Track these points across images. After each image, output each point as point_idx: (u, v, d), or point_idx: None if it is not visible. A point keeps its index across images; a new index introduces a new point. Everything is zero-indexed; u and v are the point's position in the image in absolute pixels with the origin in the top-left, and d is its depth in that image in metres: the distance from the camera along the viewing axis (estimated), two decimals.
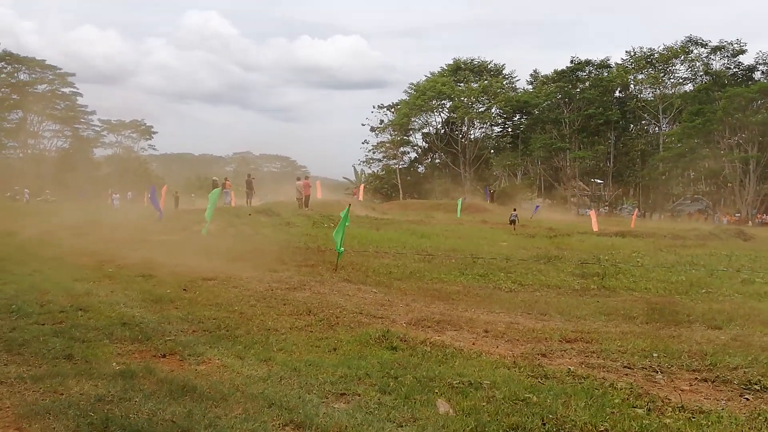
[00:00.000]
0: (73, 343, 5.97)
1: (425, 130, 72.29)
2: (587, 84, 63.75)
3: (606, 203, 66.09)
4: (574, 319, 9.06)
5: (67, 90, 77.64)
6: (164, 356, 5.82)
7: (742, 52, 59.59)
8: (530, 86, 70.27)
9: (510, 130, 70.75)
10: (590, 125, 63.16)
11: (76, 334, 6.35)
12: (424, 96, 66.21)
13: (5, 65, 71.93)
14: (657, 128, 64.32)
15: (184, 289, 9.61)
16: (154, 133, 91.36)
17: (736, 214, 54.87)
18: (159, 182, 41.02)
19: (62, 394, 4.52)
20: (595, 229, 30.30)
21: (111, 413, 4.12)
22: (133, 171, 77.53)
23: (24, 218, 25.88)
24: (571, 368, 5.92)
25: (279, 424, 4.12)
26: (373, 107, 73.84)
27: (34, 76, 75.13)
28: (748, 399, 5.22)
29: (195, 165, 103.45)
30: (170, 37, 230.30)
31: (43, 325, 6.79)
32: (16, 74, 74.06)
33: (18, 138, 75.18)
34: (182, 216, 26.18)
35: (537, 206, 49.88)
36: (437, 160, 73.49)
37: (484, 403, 4.63)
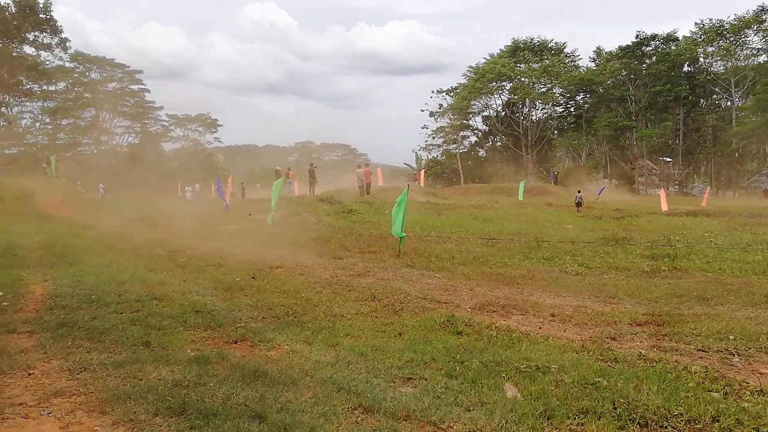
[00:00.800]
0: (149, 331, 6.23)
1: (485, 113, 71.48)
2: (654, 59, 61.29)
3: (676, 182, 63.70)
4: (645, 301, 8.81)
5: (135, 87, 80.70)
6: (236, 342, 6.00)
7: None
8: (593, 64, 68.21)
9: (573, 109, 68.96)
10: (658, 102, 60.85)
11: (153, 322, 6.62)
12: (483, 78, 65.30)
13: (77, 65, 75.07)
14: (729, 102, 61.42)
15: (253, 277, 9.88)
16: (219, 125, 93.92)
17: None
18: (224, 174, 42.07)
19: (141, 380, 4.72)
20: (665, 208, 29.35)
21: (188, 397, 4.28)
22: (199, 163, 79.80)
23: (100, 212, 27.02)
24: (643, 352, 5.78)
25: (348, 407, 4.19)
26: (432, 92, 73.54)
27: (104, 74, 78.35)
28: None
29: (259, 156, 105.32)
30: (231, 31, 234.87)
31: (121, 313, 7.10)
32: (87, 73, 77.28)
33: (91, 135, 78.47)
34: (248, 206, 26.78)
35: (602, 187, 48.64)
36: (498, 143, 72.51)
37: (552, 387, 4.58)
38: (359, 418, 4.04)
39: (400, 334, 6.45)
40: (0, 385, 4.64)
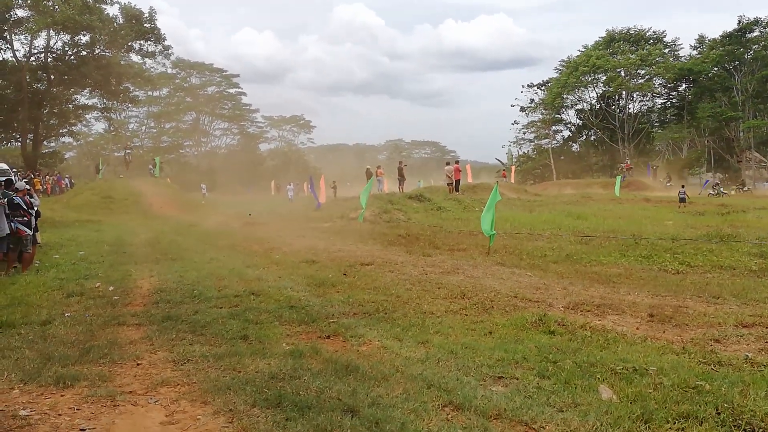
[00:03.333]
0: (247, 325, 6.49)
1: (579, 107, 69.25)
2: (760, 45, 57.36)
3: None
4: (752, 302, 8.31)
5: (232, 90, 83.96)
6: (328, 337, 6.16)
7: None
8: (696, 52, 64.63)
9: (674, 101, 65.62)
10: (766, 90, 56.93)
11: (250, 316, 6.90)
12: (576, 72, 63.32)
13: (179, 71, 78.86)
14: None
15: (344, 274, 10.08)
16: (313, 127, 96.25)
17: None
18: (317, 173, 43.03)
19: (240, 372, 4.94)
20: None
21: (283, 390, 4.45)
22: (293, 163, 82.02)
23: (201, 211, 28.32)
24: (749, 355, 5.47)
25: (438, 404, 4.21)
26: (522, 86, 71.89)
27: (203, 79, 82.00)
28: None
29: (349, 155, 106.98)
30: (321, 33, 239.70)
31: (221, 308, 7.45)
32: (188, 79, 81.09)
33: (192, 137, 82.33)
34: (340, 204, 27.29)
35: (707, 181, 46.08)
36: (593, 137, 70.10)
37: (650, 390, 4.43)
38: (450, 416, 4.06)
39: (491, 333, 6.40)
40: (111, 374, 4.99)
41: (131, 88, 49.53)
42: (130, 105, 54.54)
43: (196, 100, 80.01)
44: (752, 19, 58.06)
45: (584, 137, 71.57)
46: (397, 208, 23.74)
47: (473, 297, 8.32)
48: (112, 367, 5.19)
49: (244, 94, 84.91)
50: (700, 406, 4.04)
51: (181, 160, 79.01)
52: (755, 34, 58.36)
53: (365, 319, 6.94)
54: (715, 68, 60.47)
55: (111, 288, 8.88)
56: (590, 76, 64.28)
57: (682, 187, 30.88)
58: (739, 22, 58.53)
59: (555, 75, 67.73)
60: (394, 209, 23.24)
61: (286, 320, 6.79)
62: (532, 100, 69.76)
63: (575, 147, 72.70)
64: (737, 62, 58.67)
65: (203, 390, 4.56)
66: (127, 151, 49.81)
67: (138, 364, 5.28)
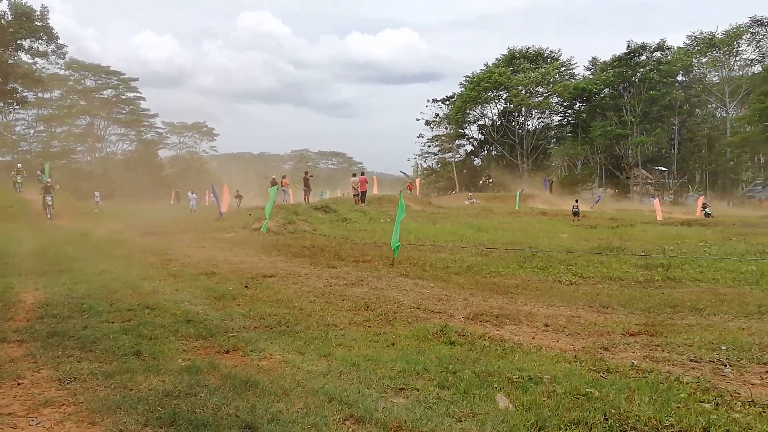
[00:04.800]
0: (141, 340, 6.19)
1: (481, 122, 71.61)
2: (647, 68, 61.69)
3: (670, 191, 63.91)
4: (638, 311, 8.82)
5: (131, 95, 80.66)
6: (227, 352, 5.97)
7: None
8: (589, 73, 68.52)
9: (570, 118, 69.19)
10: (652, 110, 61.19)
11: (144, 331, 6.58)
12: (479, 87, 65.47)
13: (72, 73, 75.04)
14: (724, 112, 61.77)
15: (246, 286, 9.85)
16: (216, 134, 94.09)
17: None
18: (219, 181, 42.05)
19: (132, 390, 4.70)
20: (660, 218, 29.46)
21: (178, 408, 4.26)
22: (195, 171, 79.82)
23: (94, 220, 26.98)
24: (635, 362, 5.78)
25: (339, 418, 4.17)
26: (428, 101, 73.53)
27: (99, 82, 78.41)
28: None
29: (253, 164, 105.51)
30: (226, 39, 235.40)
31: (112, 323, 7.06)
32: (82, 81, 77.26)
33: (86, 142, 78.40)
34: (243, 214, 26.76)
35: (599, 196, 48.79)
36: (494, 153, 72.60)
37: (544, 398, 4.57)
38: (350, 429, 4.02)
39: (393, 344, 6.43)
40: None
41: (19, 88, 46.56)
42: (17, 106, 51.27)
43: (91, 104, 76.33)
44: (640, 44, 62.31)
45: (486, 152, 74.02)
46: (303, 218, 23.58)
47: (377, 309, 8.35)
48: None
49: (143, 98, 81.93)
50: (589, 413, 4.21)
51: (73, 166, 75.01)
52: (643, 58, 62.65)
53: (266, 332, 6.79)
54: (607, 89, 64.34)
55: None
56: (492, 93, 66.64)
57: (576, 201, 32.48)
58: (628, 46, 62.66)
59: (459, 90, 69.68)
60: (299, 220, 23.06)
61: (183, 335, 6.53)
62: (436, 115, 71.53)
63: (477, 161, 75.03)
64: (626, 84, 62.68)
65: (91, 410, 4.29)
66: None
67: (19, 384, 4.91)
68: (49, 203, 28.33)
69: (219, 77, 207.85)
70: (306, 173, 35.58)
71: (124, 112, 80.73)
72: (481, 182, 60.68)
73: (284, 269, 12.14)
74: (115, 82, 79.06)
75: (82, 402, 4.47)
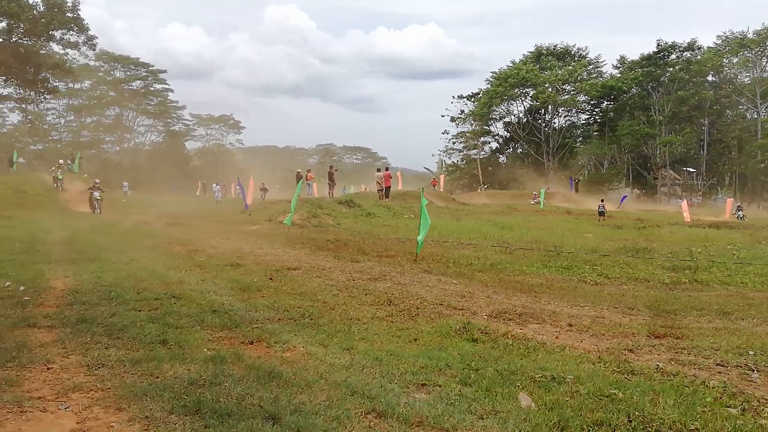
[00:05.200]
0: (167, 329, 6.28)
1: (507, 119, 71.17)
2: (676, 68, 60.75)
3: (699, 193, 62.91)
4: (664, 314, 8.72)
5: (159, 86, 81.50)
6: (252, 343, 6.04)
7: None
8: (617, 71, 67.70)
9: (597, 117, 68.46)
10: (681, 111, 60.27)
11: (170, 320, 6.68)
12: (505, 83, 65.03)
13: (102, 64, 76.02)
14: (755, 114, 60.55)
15: (270, 278, 9.93)
16: (243, 127, 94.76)
17: None
18: (245, 174, 42.37)
19: (158, 377, 4.77)
20: (687, 219, 29.02)
21: (203, 396, 4.32)
22: (221, 163, 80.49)
23: (122, 209, 27.39)
24: (660, 365, 5.73)
25: (361, 411, 4.20)
26: (453, 97, 73.23)
27: (128, 73, 79.28)
28: None
29: (279, 157, 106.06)
30: (252, 32, 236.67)
31: (139, 311, 7.17)
32: (112, 72, 78.26)
33: (115, 133, 79.47)
34: (268, 206, 26.94)
35: (624, 196, 48.18)
36: (519, 150, 72.12)
37: (567, 398, 4.56)
38: (372, 423, 4.05)
39: (416, 340, 6.44)
40: (19, 379, 4.72)
41: (50, 78, 47.34)
42: (48, 96, 52.14)
43: (120, 95, 77.27)
44: (670, 43, 61.35)
45: (511, 149, 73.56)
46: (327, 213, 23.65)
47: (400, 304, 8.37)
48: (20, 372, 4.90)
49: (171, 90, 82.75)
50: (613, 414, 4.19)
51: (102, 156, 76.21)
52: (672, 57, 61.69)
53: (290, 324, 6.85)
54: (635, 88, 63.48)
55: (22, 288, 8.41)
56: (519, 89, 66.15)
57: (602, 200, 32.14)
58: (658, 45, 61.73)
59: (485, 86, 69.27)
60: (323, 214, 23.14)
61: (208, 325, 6.61)
62: (462, 111, 71.13)
63: (502, 159, 74.59)
64: (655, 83, 61.79)
65: (118, 396, 4.37)
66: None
67: (48, 369, 5.02)
68: (98, 198, 27.83)
69: (245, 70, 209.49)
70: (331, 167, 35.67)
71: (152, 103, 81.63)
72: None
73: (308, 262, 12.21)
74: (144, 74, 79.94)
75: (109, 388, 4.55)
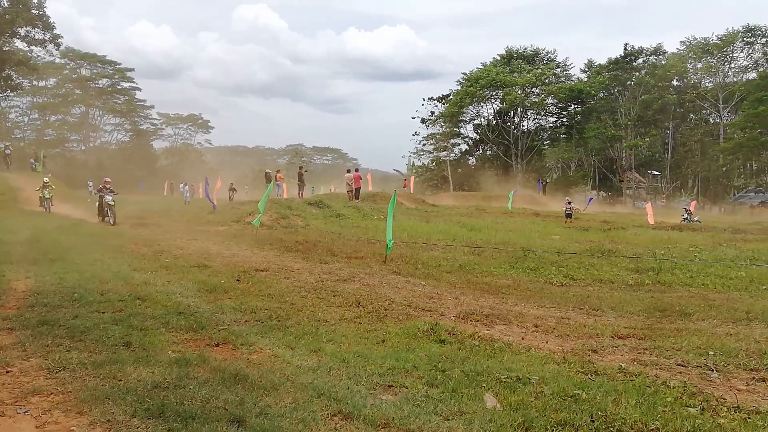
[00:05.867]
0: (131, 331, 6.19)
1: (476, 122, 71.66)
2: (642, 72, 61.97)
3: (663, 196, 64.15)
4: (627, 315, 8.87)
5: (126, 85, 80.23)
6: (218, 345, 5.98)
7: None
8: (584, 75, 68.73)
9: (565, 120, 69.38)
10: (647, 114, 61.44)
11: (134, 322, 6.59)
12: (476, 84, 65.49)
13: (68, 61, 74.53)
14: (717, 118, 62.03)
15: (238, 280, 9.85)
16: (211, 127, 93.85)
17: None
18: (214, 174, 41.96)
19: (121, 380, 4.70)
20: (651, 222, 29.56)
21: (167, 399, 4.27)
22: (190, 163, 79.57)
23: (87, 209, 26.86)
24: (623, 365, 5.82)
25: (327, 414, 4.19)
26: (424, 99, 73.45)
27: (95, 71, 77.86)
28: None
29: (249, 157, 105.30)
30: (223, 32, 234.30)
31: (103, 313, 7.06)
32: (78, 70, 76.79)
33: (80, 132, 78.00)
34: (237, 207, 26.72)
35: (590, 198, 48.89)
36: (489, 152, 72.67)
37: (532, 399, 4.60)
38: (338, 425, 4.04)
39: (383, 341, 6.45)
40: None
41: (14, 75, 46.25)
42: (11, 93, 50.92)
43: (86, 93, 75.79)
44: (637, 47, 62.55)
45: (481, 151, 74.09)
46: (296, 213, 23.56)
47: (368, 305, 8.37)
48: None
49: (139, 88, 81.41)
50: (576, 414, 4.25)
51: (67, 155, 74.64)
52: (639, 61, 62.89)
53: (257, 326, 6.80)
54: (602, 91, 64.55)
55: None
56: (488, 92, 66.66)
57: (569, 202, 32.56)
58: (625, 48, 62.87)
59: (456, 88, 69.65)
60: (292, 215, 23.04)
61: (174, 327, 6.54)
62: (432, 113, 71.40)
63: (472, 160, 75.07)
64: (621, 87, 62.92)
65: (79, 399, 4.30)
66: (6, 144, 46.39)
67: (7, 372, 4.91)
68: (111, 203, 21.04)
69: (215, 70, 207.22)
70: (301, 168, 35.55)
71: (119, 102, 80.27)
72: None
73: (276, 264, 12.14)
74: (111, 72, 78.53)
75: (70, 391, 4.47)
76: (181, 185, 42.76)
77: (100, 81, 78.59)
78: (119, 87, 79.80)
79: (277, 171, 35.61)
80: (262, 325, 6.86)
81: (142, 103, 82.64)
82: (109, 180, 22.51)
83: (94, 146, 79.28)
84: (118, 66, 78.93)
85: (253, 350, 5.82)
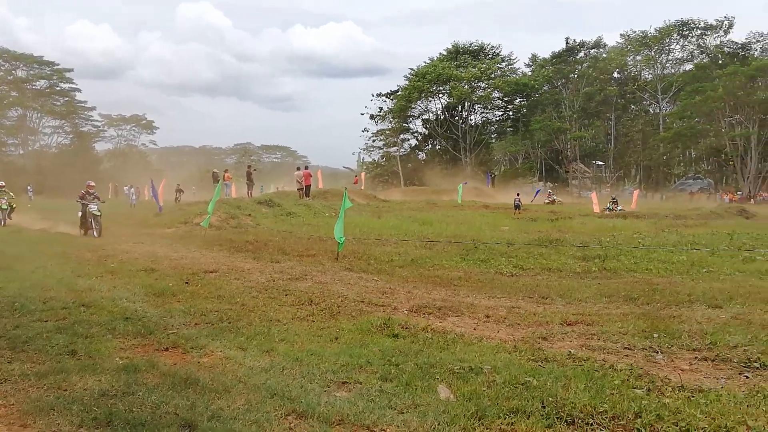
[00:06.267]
0: (76, 339, 6.01)
1: (425, 117, 72.16)
2: (585, 65, 63.55)
3: (607, 185, 65.90)
4: (576, 301, 9.08)
5: (65, 86, 77.68)
6: (167, 350, 5.86)
7: (731, 26, 59.41)
8: (529, 69, 69.99)
9: (511, 113, 70.50)
10: (590, 106, 63.06)
11: (79, 330, 6.39)
12: (423, 79, 65.90)
13: (2, 62, 71.78)
14: (657, 109, 64.09)
15: (186, 282, 9.66)
16: (156, 128, 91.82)
17: (738, 193, 54.74)
18: (159, 176, 41.07)
19: (66, 390, 4.56)
20: (597, 211, 30.35)
21: (115, 408, 4.16)
22: (133, 165, 77.64)
23: (27, 215, 25.92)
24: (572, 351, 5.95)
25: (281, 414, 4.15)
26: (372, 95, 73.52)
27: (32, 72, 75.20)
28: (747, 377, 5.25)
29: (195, 157, 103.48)
30: (165, 30, 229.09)
31: (46, 321, 6.82)
32: (13, 71, 73.99)
33: (18, 135, 75.19)
34: (184, 208, 26.23)
35: (538, 190, 49.85)
36: (438, 147, 73.28)
37: (484, 388, 4.66)
38: (292, 424, 4.01)
39: (337, 338, 6.43)
40: None
41: None
42: None
43: (23, 95, 73.17)
44: (578, 41, 64.04)
45: (430, 146, 74.65)
46: (246, 213, 23.27)
47: (321, 303, 8.33)
48: None
49: (79, 90, 78.98)
50: (528, 401, 4.32)
51: (5, 159, 71.81)
52: (581, 55, 64.44)
53: (207, 329, 6.69)
54: (546, 85, 65.87)
55: None
56: (436, 87, 67.19)
57: (517, 195, 33.13)
58: (567, 42, 64.29)
59: (404, 84, 69.94)
60: (242, 214, 22.75)
61: (120, 333, 6.37)
62: (380, 109, 71.55)
63: (421, 155, 75.57)
64: (564, 80, 64.34)
65: (23, 412, 4.16)
66: None
67: None
68: (97, 213, 17.97)
69: (158, 69, 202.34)
70: (249, 167, 35.13)
71: (58, 103, 77.71)
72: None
73: (226, 264, 11.96)
74: (49, 73, 75.95)
75: (13, 404, 4.33)
76: (126, 188, 41.68)
77: (38, 82, 76.01)
78: (58, 88, 77.25)
79: (225, 170, 35.09)
80: (213, 328, 6.74)
81: (83, 105, 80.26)
82: (92, 184, 19.17)
83: (33, 150, 76.55)
84: (56, 66, 76.46)
85: (203, 353, 5.72)
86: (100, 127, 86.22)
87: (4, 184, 21.04)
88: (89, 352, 5.59)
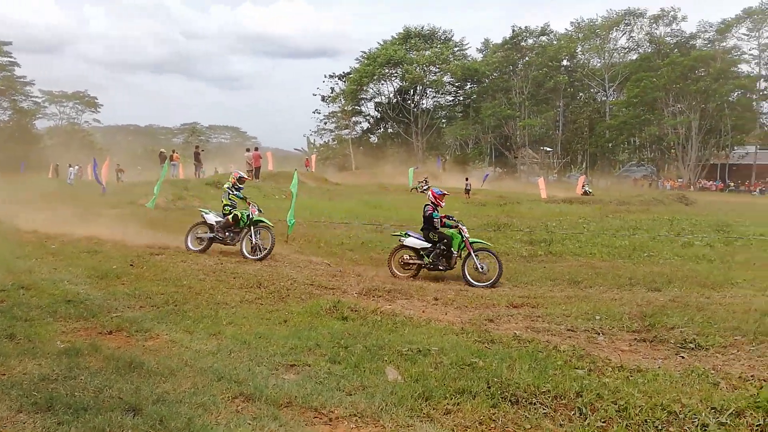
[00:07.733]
0: (15, 323, 5.82)
1: (377, 100, 71.92)
2: (534, 53, 64.34)
3: (555, 171, 67.23)
4: (522, 285, 9.28)
5: (3, 59, 74.20)
6: (110, 333, 5.74)
7: (683, 19, 61.11)
8: (481, 55, 70.42)
9: (462, 98, 70.91)
10: (539, 93, 63.88)
11: (18, 313, 6.20)
12: (375, 62, 65.61)
13: None
14: (604, 96, 65.50)
15: (131, 264, 9.45)
16: (100, 105, 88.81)
17: (679, 180, 56.60)
18: (102, 155, 39.90)
19: (4, 375, 4.43)
20: (544, 196, 30.93)
21: (56, 392, 4.07)
22: (77, 143, 75.04)
23: None
24: (517, 332, 6.09)
25: (228, 396, 4.13)
26: (324, 76, 72.84)
27: None
28: (683, 357, 5.48)
29: (141, 136, 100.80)
30: (110, 4, 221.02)
31: None
32: None
33: None
34: (129, 189, 25.57)
35: (486, 174, 50.45)
36: (390, 130, 73.24)
37: (431, 369, 4.73)
38: (239, 407, 4.00)
39: (286, 321, 6.41)
40: None
41: None
42: None
43: None
44: (524, 28, 64.79)
45: (382, 129, 74.54)
46: (193, 194, 22.83)
47: (269, 286, 8.28)
48: None
49: (18, 64, 75.61)
50: (474, 382, 4.41)
51: None
52: (530, 42, 65.16)
53: (153, 312, 6.58)
54: (496, 71, 66.44)
55: None
56: (388, 70, 66.97)
57: (467, 179, 33.46)
58: (513, 30, 64.96)
59: (356, 66, 69.51)
60: (189, 196, 22.32)
61: (62, 316, 6.20)
62: (332, 90, 70.96)
63: (373, 138, 75.41)
64: (514, 66, 65.03)
65: None
66: None
67: None
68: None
69: (103, 45, 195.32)
70: (197, 147, 34.45)
71: None
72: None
73: (173, 247, 11.74)
74: None
75: None
76: (69, 167, 40.26)
77: None
78: None
79: (173, 151, 34.32)
80: (159, 311, 6.64)
81: (22, 80, 76.94)
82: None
83: None
84: None
85: (148, 337, 5.63)
86: (40, 103, 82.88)
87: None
88: (29, 336, 5.43)
